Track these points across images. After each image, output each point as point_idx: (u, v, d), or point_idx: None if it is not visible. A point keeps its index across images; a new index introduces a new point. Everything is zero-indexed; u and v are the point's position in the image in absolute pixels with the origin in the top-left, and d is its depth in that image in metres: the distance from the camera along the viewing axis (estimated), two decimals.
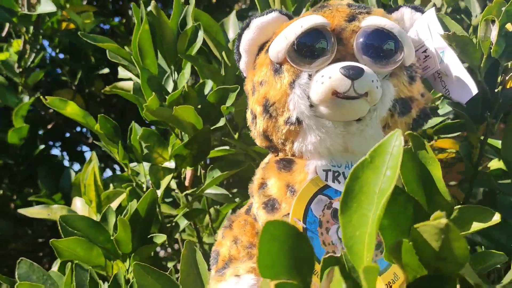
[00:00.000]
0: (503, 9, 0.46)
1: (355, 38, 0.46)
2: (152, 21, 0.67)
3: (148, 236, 0.64)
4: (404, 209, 0.37)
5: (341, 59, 0.46)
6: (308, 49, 0.45)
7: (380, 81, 0.46)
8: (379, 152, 0.30)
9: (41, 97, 0.68)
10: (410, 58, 0.47)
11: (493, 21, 0.45)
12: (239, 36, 0.52)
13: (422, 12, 0.51)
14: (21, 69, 1.04)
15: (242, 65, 0.53)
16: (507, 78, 0.47)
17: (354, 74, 0.42)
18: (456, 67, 0.46)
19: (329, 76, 0.43)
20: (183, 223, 0.76)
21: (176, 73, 0.72)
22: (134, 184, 0.74)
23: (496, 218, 0.35)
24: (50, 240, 0.59)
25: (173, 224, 0.76)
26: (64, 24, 1.16)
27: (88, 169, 0.78)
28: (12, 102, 1.07)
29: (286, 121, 0.46)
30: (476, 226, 0.36)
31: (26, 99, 1.08)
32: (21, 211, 0.82)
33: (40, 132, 1.24)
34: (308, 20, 0.46)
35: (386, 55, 0.46)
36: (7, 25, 1.05)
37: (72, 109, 0.71)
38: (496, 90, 0.48)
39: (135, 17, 0.68)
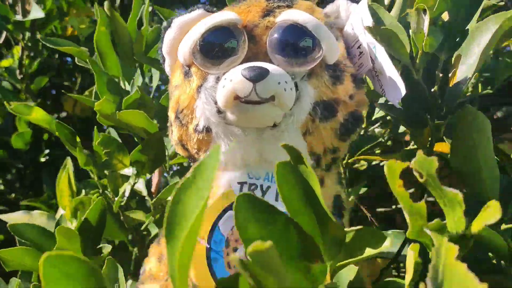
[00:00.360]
0: None
1: (268, 35, 0.41)
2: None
3: (98, 247, 0.61)
4: (286, 233, 0.32)
5: (253, 59, 0.41)
6: (215, 49, 0.41)
7: (298, 82, 0.40)
8: (202, 169, 0.25)
9: (6, 103, 0.67)
10: (333, 56, 0.41)
11: (424, 10, 0.38)
12: (162, 37, 0.48)
13: (358, 3, 0.45)
14: (22, 75, 1.06)
15: (167, 68, 0.49)
16: (450, 74, 0.40)
17: (256, 76, 0.37)
18: (387, 65, 0.40)
19: (230, 79, 0.38)
20: (155, 230, 0.74)
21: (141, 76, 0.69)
22: (101, 190, 0.72)
23: (387, 243, 0.29)
24: None
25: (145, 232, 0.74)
26: (69, 30, 1.18)
27: (62, 175, 0.77)
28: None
29: (194, 129, 0.42)
30: (368, 251, 0.30)
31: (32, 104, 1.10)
32: (2, 217, 0.83)
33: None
34: (215, 17, 0.41)
35: (302, 53, 0.40)
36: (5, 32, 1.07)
37: (37, 115, 0.70)
38: (432, 90, 0.41)
39: (97, 18, 0.66)
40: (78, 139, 0.68)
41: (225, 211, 0.41)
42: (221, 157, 0.42)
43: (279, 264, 0.24)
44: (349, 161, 0.60)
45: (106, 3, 0.63)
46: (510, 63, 0.68)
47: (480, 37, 0.40)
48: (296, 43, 0.40)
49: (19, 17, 0.93)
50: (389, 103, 0.43)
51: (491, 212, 0.25)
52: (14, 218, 0.82)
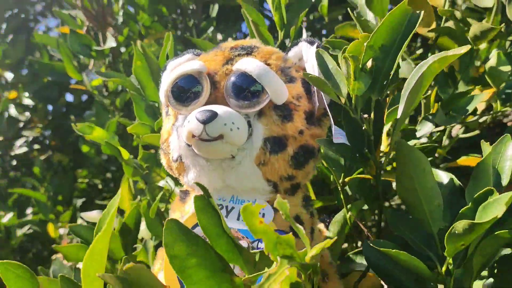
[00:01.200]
0: (365, 44, 0.44)
1: (225, 81, 0.49)
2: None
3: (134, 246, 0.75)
4: (207, 253, 0.40)
5: (214, 102, 0.49)
6: (183, 94, 0.50)
7: (251, 121, 0.48)
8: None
9: (72, 124, 0.83)
10: (279, 98, 0.48)
11: (346, 59, 0.43)
12: (162, 79, 0.58)
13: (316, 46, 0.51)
14: (107, 92, 1.25)
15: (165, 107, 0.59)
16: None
17: (205, 119, 0.46)
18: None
19: (188, 120, 0.47)
20: None
21: None
22: (148, 198, 0.85)
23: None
24: (53, 246, 0.74)
25: None
26: None
27: (124, 182, 0.92)
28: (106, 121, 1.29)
29: (172, 158, 0.52)
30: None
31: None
32: (83, 214, 1.01)
33: None
34: (185, 66, 0.50)
35: (251, 97, 0.47)
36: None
37: (97, 134, 0.85)
38: (364, 127, 0.46)
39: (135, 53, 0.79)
40: (126, 155, 0.81)
41: (194, 226, 0.50)
42: (192, 182, 0.51)
43: None
44: (346, 180, 0.65)
45: (138, 42, 0.76)
46: None
47: (416, 79, 0.44)
48: (246, 88, 0.48)
49: (98, 47, 1.11)
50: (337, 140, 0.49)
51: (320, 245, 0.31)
52: (90, 216, 0.99)
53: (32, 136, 1.61)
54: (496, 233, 0.42)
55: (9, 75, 1.55)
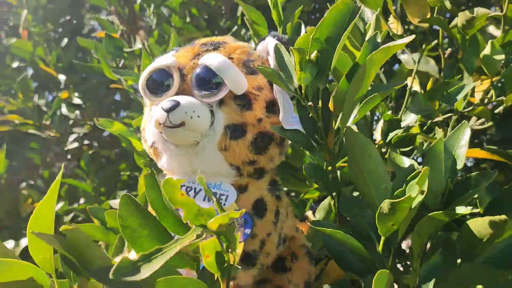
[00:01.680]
0: (311, 37, 0.47)
1: (192, 74, 0.54)
2: None
3: None
4: (157, 225, 0.45)
5: (182, 93, 0.54)
6: (156, 86, 0.55)
7: (214, 110, 0.53)
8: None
9: (95, 119, 0.92)
10: (238, 89, 0.52)
11: (293, 51, 0.46)
12: None
13: (280, 41, 0.54)
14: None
15: None
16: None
17: (168, 108, 0.51)
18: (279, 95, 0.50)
19: (156, 110, 0.53)
20: None
21: None
22: None
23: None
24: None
25: None
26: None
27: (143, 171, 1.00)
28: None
29: (148, 145, 0.57)
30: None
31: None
32: (110, 202, 1.10)
33: None
34: (158, 61, 0.56)
35: (211, 88, 0.52)
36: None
37: (116, 128, 0.94)
38: (310, 115, 0.49)
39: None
40: (139, 147, 0.89)
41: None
42: (165, 165, 0.57)
43: None
44: (329, 168, 0.68)
45: (145, 42, 0.83)
46: None
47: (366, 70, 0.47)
48: (208, 80, 0.53)
49: (128, 49, 1.20)
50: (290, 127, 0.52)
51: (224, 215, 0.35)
52: (115, 203, 1.08)
53: (82, 132, 1.75)
54: (430, 214, 0.44)
55: (61, 77, 1.70)
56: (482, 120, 0.87)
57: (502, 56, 0.70)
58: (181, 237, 0.36)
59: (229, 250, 0.39)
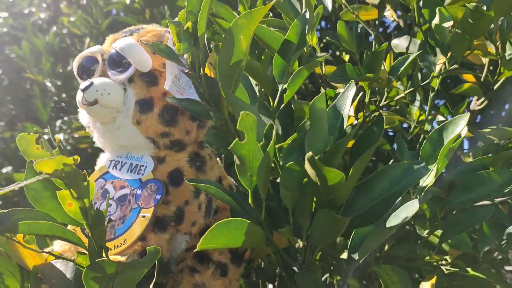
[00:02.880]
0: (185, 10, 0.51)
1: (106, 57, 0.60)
2: None
3: None
4: None
5: (102, 75, 0.61)
6: (86, 72, 0.62)
7: (127, 88, 0.58)
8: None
9: None
10: (144, 67, 0.58)
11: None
12: None
13: None
14: None
15: None
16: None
17: (83, 88, 0.58)
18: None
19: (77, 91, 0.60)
20: None
21: None
22: None
23: None
24: None
25: None
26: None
27: None
28: None
29: (86, 126, 0.64)
30: None
31: None
32: None
33: None
34: (86, 50, 0.63)
35: (120, 68, 0.58)
36: None
37: None
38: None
39: None
40: None
41: (97, 179, 0.62)
42: (97, 142, 0.63)
43: None
44: None
45: None
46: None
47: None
48: (118, 61, 0.58)
49: None
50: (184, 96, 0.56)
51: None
52: None
53: None
54: (288, 165, 0.45)
55: None
56: (482, 99, 0.83)
57: (450, 23, 0.67)
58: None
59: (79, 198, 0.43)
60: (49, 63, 1.71)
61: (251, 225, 0.45)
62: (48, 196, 0.52)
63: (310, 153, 0.38)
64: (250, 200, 0.47)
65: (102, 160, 0.64)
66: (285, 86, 0.58)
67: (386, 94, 0.73)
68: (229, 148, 0.42)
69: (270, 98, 0.63)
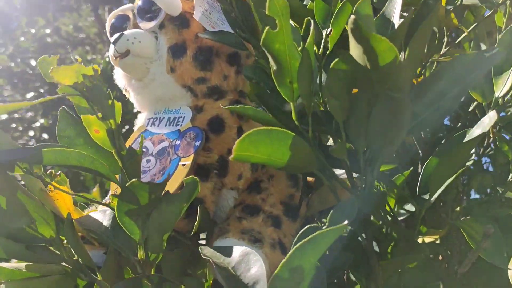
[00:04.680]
0: None
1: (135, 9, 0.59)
2: None
3: None
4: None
5: (135, 28, 0.59)
6: (117, 31, 0.60)
7: (158, 36, 0.56)
8: None
9: None
10: (173, 11, 0.55)
11: None
12: None
13: None
14: None
15: None
16: None
17: (114, 40, 0.56)
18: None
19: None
20: None
21: None
22: None
23: None
24: None
25: None
26: None
27: None
28: None
29: (123, 89, 0.62)
30: None
31: None
32: None
33: None
34: (118, 8, 0.61)
35: (150, 15, 0.56)
36: None
37: None
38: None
39: None
40: None
41: (138, 137, 0.59)
42: (134, 101, 0.61)
43: None
44: None
45: None
46: None
47: None
48: (148, 9, 0.56)
49: None
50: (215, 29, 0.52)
51: None
52: None
53: None
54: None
55: None
56: None
57: None
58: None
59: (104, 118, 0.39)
60: None
61: (297, 138, 0.39)
62: (82, 143, 0.49)
63: (353, 16, 0.32)
64: (293, 115, 0.42)
65: (140, 121, 0.61)
66: (329, 29, 0.53)
67: None
68: (260, 43, 0.37)
69: (315, 46, 0.58)
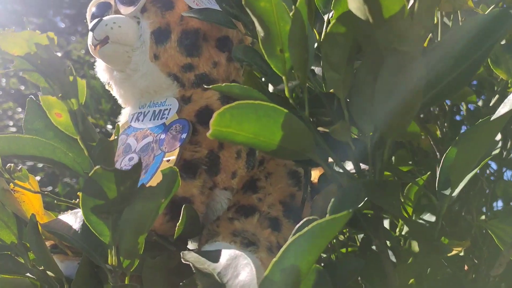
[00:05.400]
0: None
1: None
2: None
3: None
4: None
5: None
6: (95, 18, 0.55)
7: (141, 22, 0.51)
8: None
9: None
10: None
11: None
12: None
13: None
14: None
15: None
16: None
17: (92, 26, 0.50)
18: None
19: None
20: None
21: None
22: None
23: None
24: None
25: None
26: None
27: None
28: None
29: (106, 83, 0.57)
30: None
31: None
32: None
33: None
34: None
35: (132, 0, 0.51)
36: None
37: None
38: None
39: None
40: None
41: (120, 134, 0.53)
42: (117, 96, 0.55)
43: None
44: None
45: None
46: None
47: None
48: None
49: None
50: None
51: None
52: None
53: None
54: None
55: None
56: None
57: None
58: None
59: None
60: (109, 105, 1.73)
61: (291, 116, 0.33)
62: (51, 136, 0.43)
63: None
64: (286, 91, 0.36)
65: (124, 117, 0.55)
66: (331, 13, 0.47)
67: None
68: (243, 3, 0.32)
69: (315, 31, 0.52)
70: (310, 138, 0.34)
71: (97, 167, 0.32)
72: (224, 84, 0.37)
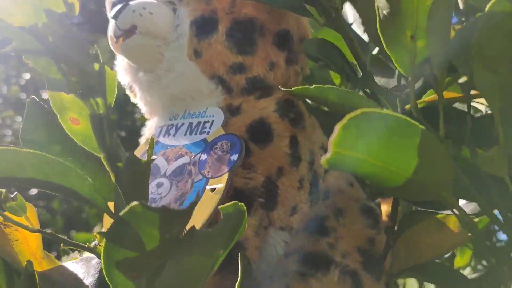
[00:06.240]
0: None
1: None
2: None
3: None
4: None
5: None
6: None
7: (177, 10, 0.40)
8: None
9: None
10: None
11: None
12: None
13: None
14: None
15: None
16: None
17: (116, 14, 0.39)
18: None
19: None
20: None
21: None
22: None
23: None
24: None
25: None
26: None
27: None
28: None
29: (127, 88, 0.45)
30: None
31: None
32: None
33: None
34: None
35: None
36: None
37: None
38: None
39: None
40: None
41: (142, 154, 0.41)
42: (140, 105, 0.44)
43: None
44: None
45: None
46: None
47: None
48: None
49: None
50: None
51: None
52: None
53: None
54: None
55: None
56: None
57: None
58: None
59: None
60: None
61: (428, 135, 0.21)
62: (58, 152, 0.31)
63: None
64: (411, 98, 0.24)
65: (149, 130, 0.43)
66: None
67: None
68: None
69: None
70: (451, 169, 0.23)
71: (135, 203, 0.20)
72: (313, 86, 0.26)
